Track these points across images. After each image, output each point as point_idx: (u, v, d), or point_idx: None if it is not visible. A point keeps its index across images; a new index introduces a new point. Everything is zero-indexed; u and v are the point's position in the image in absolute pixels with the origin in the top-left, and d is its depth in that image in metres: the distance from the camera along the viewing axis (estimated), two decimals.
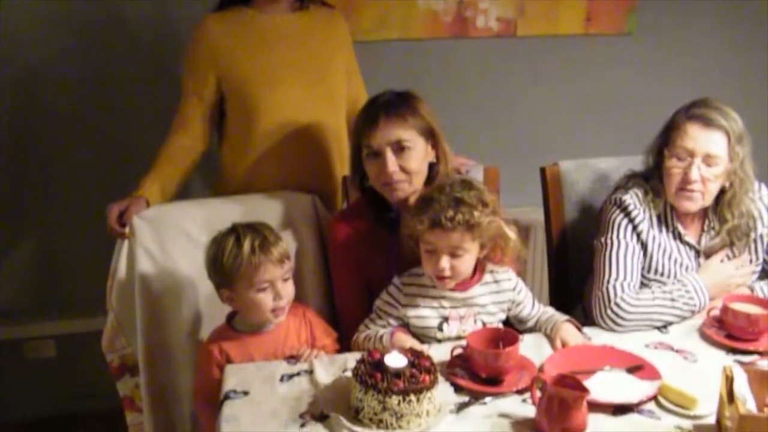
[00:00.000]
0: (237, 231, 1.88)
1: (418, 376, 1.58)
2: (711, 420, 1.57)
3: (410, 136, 1.96)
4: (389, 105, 1.97)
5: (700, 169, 1.95)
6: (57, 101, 2.80)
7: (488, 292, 1.95)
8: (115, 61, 2.77)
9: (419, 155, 1.98)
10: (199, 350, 2.03)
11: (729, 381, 1.50)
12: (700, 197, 1.99)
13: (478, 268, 1.94)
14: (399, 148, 1.95)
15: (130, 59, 2.78)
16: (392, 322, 1.94)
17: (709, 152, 1.94)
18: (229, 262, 1.84)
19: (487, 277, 1.95)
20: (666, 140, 2.03)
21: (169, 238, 2.14)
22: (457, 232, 1.80)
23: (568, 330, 1.91)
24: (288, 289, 1.91)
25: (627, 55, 3.10)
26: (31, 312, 3.02)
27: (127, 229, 2.12)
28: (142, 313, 2.12)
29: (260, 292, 1.86)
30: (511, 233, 1.89)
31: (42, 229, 2.96)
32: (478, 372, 1.73)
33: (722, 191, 2.03)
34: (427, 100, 2.05)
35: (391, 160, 1.95)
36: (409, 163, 1.96)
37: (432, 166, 2.05)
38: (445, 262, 1.83)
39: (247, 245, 1.84)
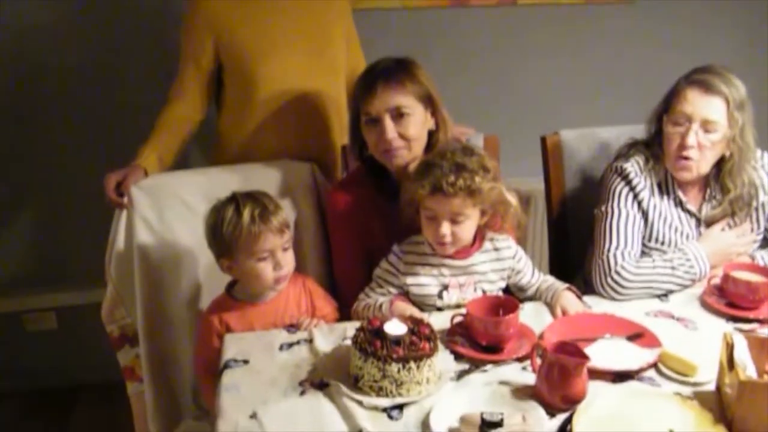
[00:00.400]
0: (237, 200, 1.87)
1: (418, 344, 1.57)
2: (711, 387, 1.57)
3: (409, 102, 1.94)
4: (388, 71, 1.95)
5: (698, 134, 1.94)
6: (54, 71, 2.78)
7: (488, 260, 1.94)
8: (113, 30, 2.74)
9: (418, 122, 1.97)
10: (199, 320, 2.02)
11: (729, 348, 1.50)
12: (696, 166, 1.97)
13: (478, 236, 1.93)
14: (398, 114, 1.94)
15: (129, 28, 2.75)
16: (392, 290, 1.94)
17: (707, 117, 1.93)
18: (228, 231, 1.83)
19: (487, 245, 1.95)
20: (666, 106, 2.01)
21: (167, 208, 2.13)
22: (458, 197, 1.79)
23: (568, 298, 1.90)
24: (288, 259, 1.90)
25: (629, 23, 3.07)
26: (31, 284, 3.03)
27: (125, 199, 2.11)
28: (141, 283, 2.12)
29: (260, 261, 1.85)
30: (512, 199, 1.88)
31: (41, 200, 2.95)
32: (478, 340, 1.72)
33: (723, 160, 2.02)
34: (426, 69, 2.03)
35: (390, 127, 1.93)
36: (407, 129, 1.95)
37: (431, 134, 2.04)
38: (445, 228, 1.82)
39: (247, 214, 1.83)
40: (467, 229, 1.86)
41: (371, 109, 1.95)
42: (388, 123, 1.93)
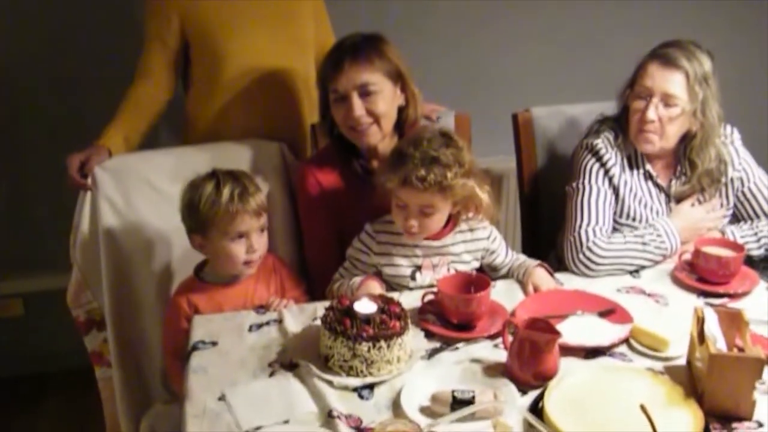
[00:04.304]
0: (217, 177, 1.84)
1: (388, 323, 1.56)
2: (682, 361, 1.58)
3: (377, 79, 1.92)
4: (355, 48, 1.92)
5: (658, 108, 1.94)
6: (16, 53, 2.71)
7: (462, 241, 1.93)
8: (76, 8, 2.68)
9: (387, 98, 1.94)
10: (167, 303, 1.99)
11: (700, 322, 1.50)
12: (658, 138, 1.98)
13: (453, 218, 1.90)
14: (365, 92, 1.91)
15: (91, 6, 2.68)
16: (366, 270, 1.92)
17: (667, 91, 1.93)
18: (206, 208, 1.80)
19: (462, 225, 1.93)
20: (632, 80, 2.02)
21: (133, 189, 2.10)
22: (428, 192, 1.76)
23: (540, 275, 1.90)
24: (262, 243, 1.88)
25: (601, 3, 3.05)
26: None
27: (88, 181, 2.06)
28: (107, 267, 2.09)
29: (234, 242, 1.83)
30: (484, 195, 1.84)
31: (4, 185, 2.89)
32: (449, 318, 1.71)
33: (689, 136, 2.02)
34: (396, 45, 2.00)
35: (358, 104, 1.91)
36: (376, 106, 1.92)
37: (401, 110, 2.01)
38: (413, 220, 1.80)
39: (226, 193, 1.80)
40: (436, 221, 1.83)
41: (339, 86, 1.92)
42: (356, 100, 1.91)
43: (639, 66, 2.00)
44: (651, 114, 1.94)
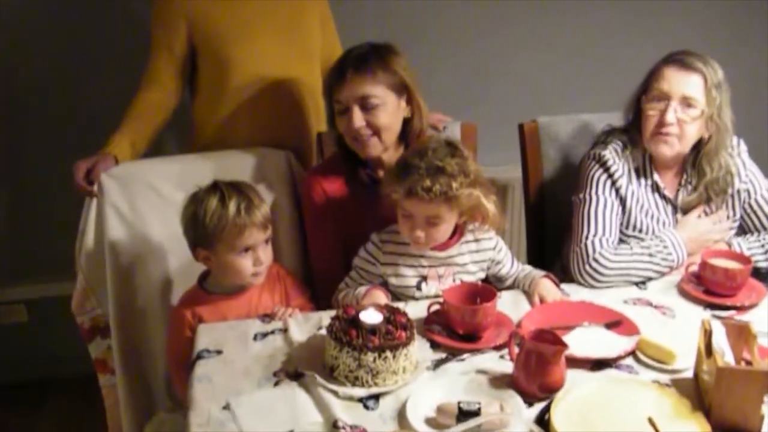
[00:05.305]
0: (221, 190, 1.82)
1: (393, 333, 1.55)
2: (689, 374, 1.57)
3: (379, 92, 1.91)
4: (360, 59, 1.91)
5: (677, 111, 1.94)
6: (23, 57, 2.72)
7: (468, 252, 1.92)
8: (82, 14, 2.69)
9: (389, 111, 1.93)
10: (171, 313, 1.98)
11: (707, 334, 1.49)
12: (677, 141, 1.97)
13: (459, 229, 1.90)
14: (367, 104, 1.90)
15: (98, 10, 2.69)
16: (372, 280, 1.91)
17: (685, 93, 1.93)
18: (212, 222, 1.78)
19: (468, 236, 1.92)
20: (644, 87, 2.01)
21: (139, 197, 2.09)
22: (434, 202, 1.75)
23: (546, 285, 1.89)
24: (268, 254, 1.87)
25: (610, 13, 3.05)
26: (0, 276, 2.96)
27: (94, 188, 2.06)
28: (112, 274, 2.08)
29: (241, 255, 1.82)
30: (490, 205, 1.83)
31: (9, 191, 2.89)
32: (455, 328, 1.70)
33: (701, 143, 2.02)
34: (405, 55, 1.99)
35: (358, 116, 1.90)
36: (377, 119, 1.91)
37: (407, 121, 2.00)
38: (420, 230, 1.79)
39: (232, 206, 1.78)
40: (442, 231, 1.83)
41: (341, 98, 1.92)
42: (357, 112, 1.90)
43: (652, 71, 1.99)
44: (670, 117, 1.93)
